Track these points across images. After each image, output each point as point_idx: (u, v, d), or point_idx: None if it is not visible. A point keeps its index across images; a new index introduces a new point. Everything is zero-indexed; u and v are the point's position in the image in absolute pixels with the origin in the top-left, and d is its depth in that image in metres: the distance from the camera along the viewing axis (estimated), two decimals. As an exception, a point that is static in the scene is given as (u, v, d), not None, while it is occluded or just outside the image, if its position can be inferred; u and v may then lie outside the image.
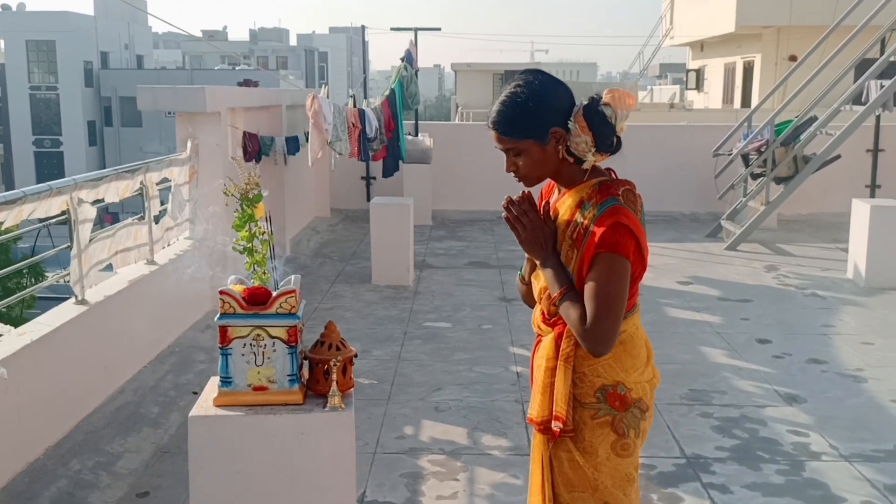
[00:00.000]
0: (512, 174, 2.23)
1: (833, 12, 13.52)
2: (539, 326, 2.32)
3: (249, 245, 2.63)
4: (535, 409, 2.24)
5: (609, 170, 2.25)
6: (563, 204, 2.21)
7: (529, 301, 2.43)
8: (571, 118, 2.13)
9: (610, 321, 2.07)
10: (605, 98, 2.12)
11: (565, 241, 2.17)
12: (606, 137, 2.13)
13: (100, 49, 47.45)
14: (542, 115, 2.12)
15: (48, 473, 3.82)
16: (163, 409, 4.71)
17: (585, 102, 2.14)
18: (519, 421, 4.60)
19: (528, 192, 2.27)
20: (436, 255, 9.01)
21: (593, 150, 2.12)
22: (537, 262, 2.24)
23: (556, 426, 2.17)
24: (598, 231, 2.07)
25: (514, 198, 2.25)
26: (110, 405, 4.60)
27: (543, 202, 2.32)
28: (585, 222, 2.11)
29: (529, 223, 2.21)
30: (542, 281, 2.25)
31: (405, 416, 4.68)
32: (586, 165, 2.16)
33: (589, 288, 2.08)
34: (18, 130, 45.37)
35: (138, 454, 4.17)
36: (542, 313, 2.28)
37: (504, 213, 2.25)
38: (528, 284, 2.39)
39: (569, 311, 2.12)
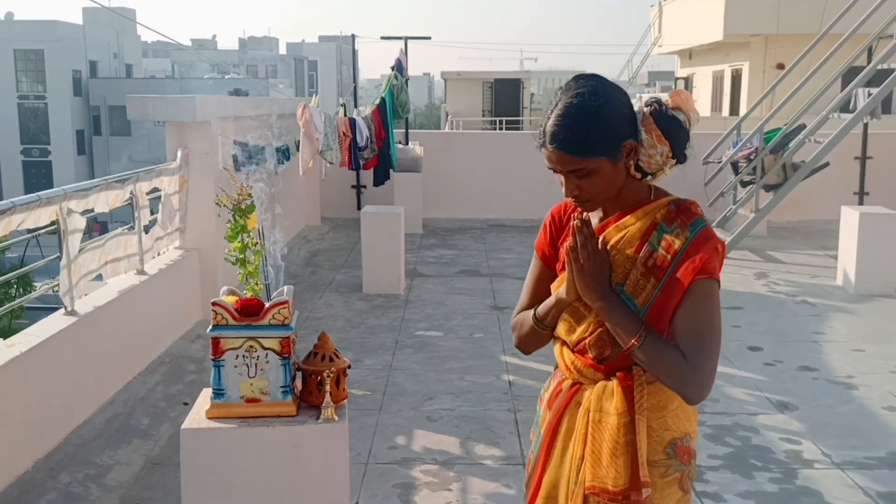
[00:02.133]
0: (573, 199, 1.89)
1: (820, 21, 13.64)
2: (579, 371, 1.95)
3: (242, 256, 2.62)
4: (609, 477, 1.83)
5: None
6: (626, 228, 1.88)
7: (531, 345, 2.08)
8: (640, 126, 1.85)
9: (716, 357, 1.78)
10: (672, 101, 1.88)
11: (634, 270, 1.85)
12: (683, 145, 1.88)
13: (88, 58, 47.31)
14: (613, 126, 1.81)
15: (37, 486, 3.79)
16: (153, 421, 4.68)
17: (648, 108, 1.88)
18: (511, 430, 4.59)
19: (588, 216, 1.95)
20: (427, 264, 9.00)
21: (672, 161, 1.87)
22: (593, 304, 1.87)
23: (646, 493, 1.83)
24: (699, 255, 1.79)
25: (585, 219, 1.90)
26: (100, 416, 4.57)
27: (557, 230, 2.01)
28: (675, 246, 1.81)
29: (594, 254, 1.86)
30: (585, 322, 1.91)
31: (397, 426, 4.66)
32: (657, 181, 1.90)
33: (691, 321, 1.78)
34: (6, 139, 45.13)
35: (129, 466, 4.14)
36: (586, 357, 1.93)
37: (569, 242, 1.88)
38: (548, 328, 2.00)
39: (660, 357, 1.78)
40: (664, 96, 1.89)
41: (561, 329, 1.96)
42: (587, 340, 1.90)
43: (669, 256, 1.81)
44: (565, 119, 1.80)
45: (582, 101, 1.80)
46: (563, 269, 1.94)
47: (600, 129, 1.80)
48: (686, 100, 1.88)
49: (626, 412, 1.84)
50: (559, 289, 1.95)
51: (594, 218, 1.95)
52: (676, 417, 1.88)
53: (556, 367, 2.06)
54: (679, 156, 1.88)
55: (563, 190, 1.88)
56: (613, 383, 1.87)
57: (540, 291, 2.04)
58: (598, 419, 1.87)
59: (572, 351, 1.96)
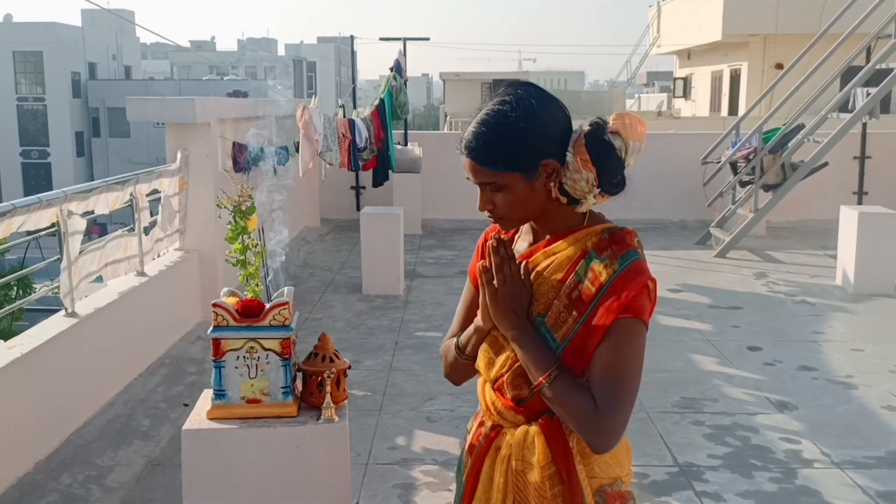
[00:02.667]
0: (487, 214, 1.74)
1: (819, 20, 13.66)
2: (499, 413, 1.75)
3: (242, 257, 2.63)
4: None
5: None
6: (553, 255, 1.71)
7: (458, 376, 1.90)
8: (570, 148, 1.66)
9: (629, 406, 1.61)
10: (613, 124, 1.66)
11: (557, 300, 1.67)
12: (613, 175, 1.67)
13: (87, 60, 47.31)
14: (532, 142, 1.64)
15: (38, 488, 3.79)
16: (154, 422, 4.69)
17: (587, 128, 1.67)
18: (512, 430, 4.59)
19: (506, 236, 1.80)
20: (426, 265, 9.01)
21: (596, 189, 1.67)
22: (506, 333, 1.70)
23: None
24: (625, 292, 1.61)
25: (503, 238, 1.76)
26: (101, 418, 4.57)
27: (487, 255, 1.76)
28: (602, 279, 1.63)
29: (511, 278, 1.70)
30: (503, 355, 1.73)
31: (397, 427, 4.67)
32: (583, 208, 1.70)
33: (607, 365, 1.61)
34: (5, 142, 45.12)
35: (129, 467, 4.15)
36: (505, 397, 1.74)
37: (482, 262, 1.74)
38: (471, 359, 1.82)
39: (568, 399, 1.61)
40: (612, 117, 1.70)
41: (480, 362, 1.79)
42: (504, 378, 1.73)
43: (594, 289, 1.63)
44: (481, 128, 1.66)
45: (502, 111, 1.65)
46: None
47: (515, 144, 1.64)
48: (629, 126, 1.66)
49: (549, 464, 1.67)
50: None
51: (524, 242, 1.80)
52: (604, 464, 1.71)
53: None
54: (605, 186, 1.67)
55: (479, 203, 1.74)
56: (534, 431, 1.69)
57: (470, 317, 1.86)
58: (521, 469, 1.70)
59: (493, 388, 1.77)
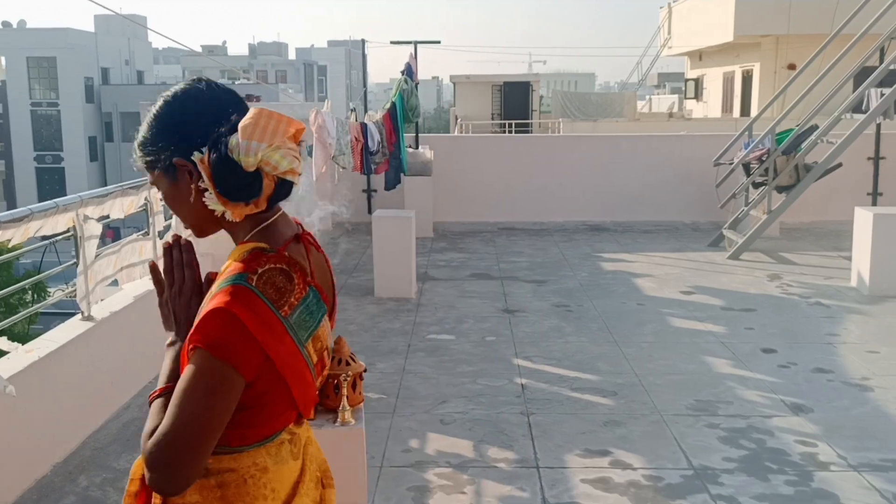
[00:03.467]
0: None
1: (832, 21, 13.60)
2: None
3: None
4: None
5: (298, 223, 1.65)
6: (225, 268, 1.53)
7: None
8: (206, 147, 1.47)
9: (178, 446, 1.39)
10: (245, 119, 1.45)
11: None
12: (226, 181, 1.45)
13: (100, 65, 47.64)
14: (166, 135, 1.51)
15: (56, 490, 3.82)
16: (169, 425, 4.71)
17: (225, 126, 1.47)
18: (525, 433, 4.60)
19: (189, 241, 1.65)
20: (438, 267, 9.02)
21: (216, 195, 1.47)
22: (167, 337, 1.60)
23: None
24: (200, 316, 1.43)
25: (180, 240, 1.63)
26: (117, 421, 4.61)
27: None
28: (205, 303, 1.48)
29: (186, 280, 1.60)
30: None
31: (411, 430, 4.68)
32: (227, 217, 1.50)
33: (174, 394, 1.43)
34: (20, 146, 45.50)
35: (145, 470, 4.17)
36: None
37: (152, 260, 1.64)
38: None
39: (149, 420, 1.48)
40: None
41: None
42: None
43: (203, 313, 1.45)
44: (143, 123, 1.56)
45: (158, 103, 1.55)
46: None
47: (148, 136, 1.53)
48: (258, 122, 1.43)
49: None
50: None
51: None
52: None
53: None
54: (224, 192, 1.46)
55: None
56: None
57: None
58: None
59: None
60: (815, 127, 9.77)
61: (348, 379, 2.58)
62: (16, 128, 45.52)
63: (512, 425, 4.72)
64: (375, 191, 11.24)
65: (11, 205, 38.66)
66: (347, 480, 2.65)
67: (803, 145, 9.53)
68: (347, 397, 2.58)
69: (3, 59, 47.06)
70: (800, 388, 5.29)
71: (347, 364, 2.62)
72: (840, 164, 9.32)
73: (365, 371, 2.69)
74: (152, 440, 1.41)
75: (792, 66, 18.05)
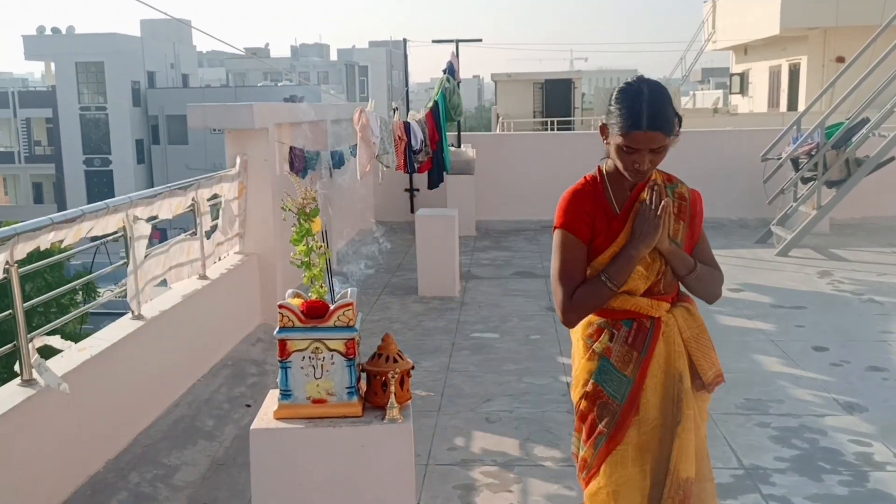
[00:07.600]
0: (641, 173, 2.33)
1: (882, 12, 13.27)
2: (656, 308, 2.41)
3: (307, 259, 2.65)
4: (719, 364, 2.46)
5: None
6: (650, 188, 2.41)
7: (590, 312, 2.46)
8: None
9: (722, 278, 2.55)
10: None
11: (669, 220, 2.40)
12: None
13: (146, 69, 48.47)
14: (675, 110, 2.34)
15: (108, 486, 3.89)
16: (217, 422, 4.77)
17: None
18: (570, 432, 4.54)
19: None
20: (481, 266, 9.00)
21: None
22: (664, 250, 2.38)
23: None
24: (699, 204, 2.48)
25: (659, 184, 2.45)
26: (167, 418, 4.67)
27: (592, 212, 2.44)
28: (690, 196, 2.46)
29: (662, 213, 2.37)
30: (653, 270, 2.39)
31: (456, 428, 4.67)
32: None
33: (708, 247, 2.51)
34: (69, 150, 46.54)
35: (195, 467, 4.23)
36: (651, 294, 2.41)
37: (656, 202, 2.36)
38: (619, 288, 2.40)
39: (711, 275, 2.46)
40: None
41: (636, 281, 2.37)
42: (661, 283, 2.41)
43: (686, 205, 2.52)
44: (657, 105, 2.24)
45: (658, 90, 2.29)
46: (606, 238, 2.39)
47: (673, 110, 2.30)
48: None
49: (702, 321, 2.49)
50: (628, 248, 2.33)
51: (608, 193, 2.45)
52: None
53: (591, 322, 2.48)
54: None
55: (636, 165, 2.28)
56: (686, 305, 2.49)
57: (584, 268, 2.42)
58: (696, 335, 2.44)
59: (644, 295, 2.40)
60: (867, 120, 9.54)
61: (396, 376, 2.58)
62: (65, 132, 46.58)
63: (558, 423, 4.68)
64: (418, 190, 11.26)
65: (62, 207, 39.52)
66: (396, 478, 2.66)
67: (854, 139, 9.31)
68: (395, 394, 2.58)
69: (52, 64, 48.18)
70: (853, 386, 5.16)
71: (395, 361, 2.62)
72: (893, 158, 9.09)
73: (412, 368, 2.69)
74: (721, 273, 2.53)
75: (840, 59, 17.66)
